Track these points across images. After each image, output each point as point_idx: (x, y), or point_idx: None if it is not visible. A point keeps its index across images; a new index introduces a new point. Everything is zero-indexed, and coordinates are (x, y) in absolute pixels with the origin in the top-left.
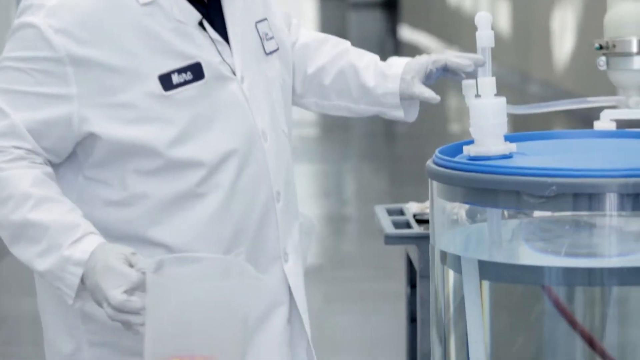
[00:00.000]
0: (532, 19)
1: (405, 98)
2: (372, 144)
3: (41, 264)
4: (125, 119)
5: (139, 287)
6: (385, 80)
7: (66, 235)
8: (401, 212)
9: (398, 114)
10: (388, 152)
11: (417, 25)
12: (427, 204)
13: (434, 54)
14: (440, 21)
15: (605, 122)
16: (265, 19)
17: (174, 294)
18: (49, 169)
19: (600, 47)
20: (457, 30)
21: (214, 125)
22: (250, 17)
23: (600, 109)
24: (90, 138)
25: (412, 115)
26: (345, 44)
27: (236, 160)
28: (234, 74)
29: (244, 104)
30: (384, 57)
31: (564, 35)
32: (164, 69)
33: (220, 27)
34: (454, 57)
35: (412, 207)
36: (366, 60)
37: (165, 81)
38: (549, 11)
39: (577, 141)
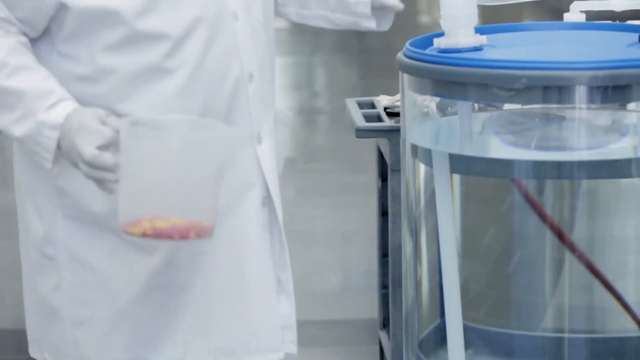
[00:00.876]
0: None
1: (376, 7)
2: (343, 37)
3: (18, 130)
4: None
5: (112, 145)
6: None
7: (42, 101)
8: (372, 105)
9: (370, 24)
10: (359, 44)
11: None
12: (398, 97)
13: None
14: None
15: (575, 14)
16: None
17: (147, 147)
18: (24, 39)
19: None
20: None
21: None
22: None
23: (570, 0)
24: (62, 10)
25: (386, 25)
26: None
27: (202, 35)
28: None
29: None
30: None
31: None
32: None
33: None
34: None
35: (383, 100)
36: None
37: None
38: None
39: (547, 33)
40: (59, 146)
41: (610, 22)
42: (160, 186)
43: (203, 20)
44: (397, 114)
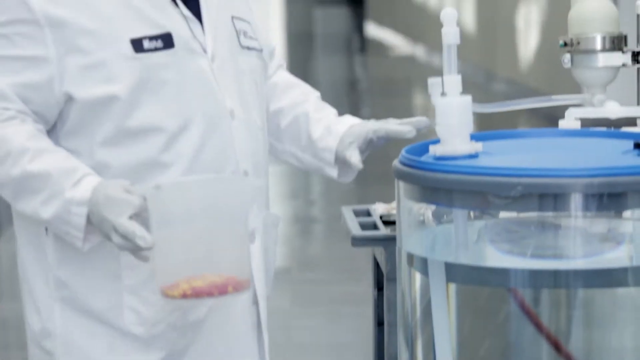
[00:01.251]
0: (497, 16)
1: (341, 159)
2: None
3: (46, 212)
4: (97, 78)
5: (141, 212)
6: (328, 135)
7: (67, 179)
8: (368, 213)
9: (332, 172)
10: None
11: (382, 22)
12: (394, 204)
13: (377, 122)
14: (406, 18)
15: (570, 121)
16: (247, 21)
17: (174, 210)
18: (40, 126)
19: (565, 45)
20: (422, 27)
21: (178, 93)
22: (226, 9)
23: (565, 107)
24: (68, 102)
25: (347, 178)
26: (313, 93)
27: (197, 130)
28: (205, 52)
29: (212, 80)
30: (349, 57)
31: (528, 32)
32: (136, 34)
33: (195, 9)
34: (395, 125)
35: (379, 208)
36: (322, 113)
37: (137, 44)
38: (513, 8)
39: (543, 140)
40: (89, 221)
41: (605, 129)
42: (192, 246)
43: (199, 116)
44: (393, 222)
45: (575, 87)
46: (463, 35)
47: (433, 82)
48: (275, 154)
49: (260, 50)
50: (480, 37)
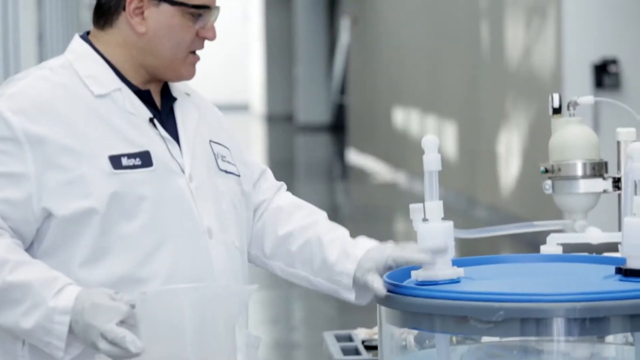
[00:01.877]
0: (478, 142)
1: (359, 283)
2: None
3: (28, 322)
4: (75, 194)
5: (129, 319)
6: (345, 259)
7: (48, 289)
8: (350, 339)
9: (349, 295)
10: None
11: (364, 149)
12: (376, 329)
13: (396, 247)
14: (387, 145)
15: (551, 246)
16: (225, 146)
17: (164, 317)
18: (18, 241)
19: (546, 171)
20: (404, 153)
21: (155, 210)
22: (204, 133)
23: (547, 233)
24: (47, 220)
25: (364, 300)
26: (320, 214)
27: (174, 246)
28: (183, 172)
29: (189, 199)
30: (331, 184)
31: (509, 159)
32: (115, 152)
33: (173, 132)
34: (415, 253)
35: (361, 333)
36: (334, 235)
37: (115, 161)
38: (494, 135)
39: (524, 265)
40: (70, 331)
41: (587, 254)
42: (181, 351)
43: (175, 233)
44: (375, 347)
45: (557, 213)
46: (444, 162)
47: (415, 208)
48: (286, 276)
49: (238, 176)
50: (461, 164)
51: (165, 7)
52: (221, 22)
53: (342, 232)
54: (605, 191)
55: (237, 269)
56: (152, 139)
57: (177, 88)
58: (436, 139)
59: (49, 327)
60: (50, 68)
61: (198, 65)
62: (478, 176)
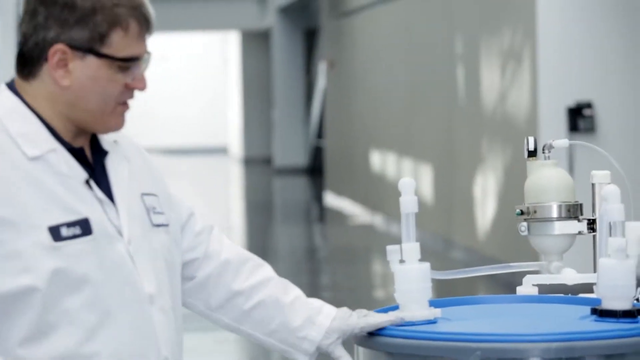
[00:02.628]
0: (454, 185)
1: (320, 350)
2: None
3: None
4: (13, 269)
5: None
6: (310, 327)
7: None
8: None
9: (304, 359)
10: None
11: (341, 191)
12: None
13: (360, 317)
14: (365, 187)
15: (527, 287)
16: (155, 194)
17: None
18: None
19: (522, 213)
20: (381, 196)
21: (98, 285)
22: (136, 187)
23: (523, 274)
24: None
25: None
26: (268, 268)
27: (118, 320)
28: (121, 235)
29: (130, 267)
30: (309, 226)
31: (486, 201)
32: (54, 221)
33: (106, 189)
34: (380, 318)
35: None
36: (292, 296)
37: (55, 233)
38: (470, 177)
39: (501, 306)
40: None
41: (562, 295)
42: None
43: (119, 306)
44: None
45: (533, 255)
46: (421, 203)
47: (392, 249)
48: (229, 330)
49: (167, 225)
50: (438, 206)
51: (91, 59)
52: (200, 66)
53: (297, 292)
54: (580, 233)
55: (174, 332)
56: (89, 202)
57: (105, 137)
58: (413, 181)
59: None
60: None
61: (176, 108)
62: (454, 218)
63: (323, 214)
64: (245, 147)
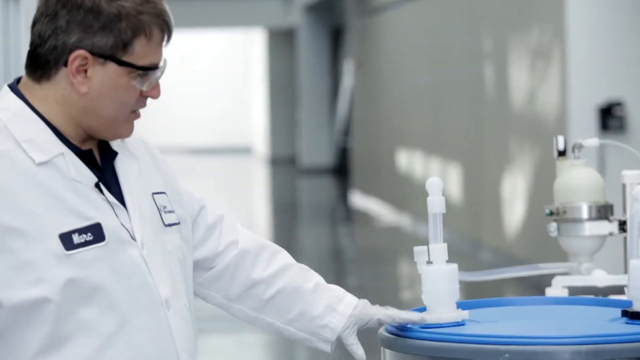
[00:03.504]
0: (482, 185)
1: (338, 339)
2: None
3: None
4: (25, 280)
5: None
6: (331, 314)
7: None
8: None
9: (325, 347)
10: None
11: (368, 191)
12: None
13: (381, 309)
14: (391, 187)
15: (557, 289)
16: (164, 192)
17: None
18: None
19: (551, 213)
20: (408, 196)
21: (112, 292)
22: (146, 187)
23: (552, 275)
24: None
25: (333, 348)
26: (284, 254)
27: (134, 327)
28: (134, 239)
29: (145, 272)
30: (335, 226)
31: (514, 201)
32: (65, 228)
33: (117, 192)
34: (404, 313)
35: None
36: (312, 283)
37: (66, 240)
38: (499, 177)
39: (530, 308)
40: None
41: (592, 297)
42: None
43: (135, 312)
44: None
45: (562, 256)
46: (449, 204)
47: (419, 250)
48: (247, 320)
49: (178, 224)
50: (465, 206)
51: (112, 66)
52: (223, 66)
53: (317, 279)
54: (611, 234)
55: (192, 335)
56: (100, 207)
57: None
58: (440, 181)
59: None
60: None
61: (199, 107)
62: (483, 218)
63: (349, 214)
64: (271, 146)
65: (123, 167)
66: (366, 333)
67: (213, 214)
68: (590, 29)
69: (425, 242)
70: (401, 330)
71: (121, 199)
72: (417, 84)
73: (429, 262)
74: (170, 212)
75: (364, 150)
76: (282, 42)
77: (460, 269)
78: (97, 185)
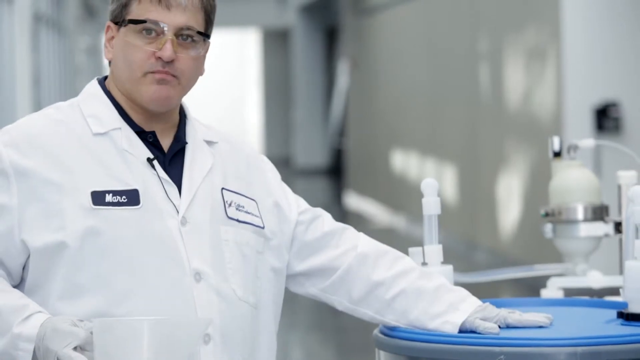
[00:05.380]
0: (478, 186)
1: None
2: (319, 315)
3: None
4: (51, 227)
5: (87, 345)
6: (453, 312)
7: (16, 315)
8: None
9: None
10: (334, 322)
11: (363, 192)
12: None
13: (509, 313)
14: (386, 188)
15: (552, 290)
16: (250, 198)
17: (120, 344)
18: (2, 272)
19: (546, 214)
20: (403, 197)
21: (132, 250)
22: (217, 181)
23: (547, 276)
24: (23, 253)
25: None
26: (407, 259)
27: (148, 289)
28: (177, 214)
29: (177, 241)
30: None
31: (509, 202)
32: (99, 187)
33: (177, 175)
34: (531, 315)
35: None
36: (435, 283)
37: (97, 197)
38: (494, 178)
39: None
40: (34, 357)
41: (588, 298)
42: None
43: (154, 275)
44: None
45: (557, 257)
46: (444, 205)
47: (414, 251)
48: (373, 321)
49: (261, 227)
50: (461, 207)
51: (122, 30)
52: (217, 67)
53: (441, 280)
54: (606, 235)
55: (235, 319)
56: (148, 179)
57: (194, 134)
58: (435, 182)
59: (14, 353)
60: (57, 107)
61: (196, 108)
62: (478, 219)
63: (344, 215)
64: (265, 147)
65: (193, 155)
66: (363, 332)
67: (331, 224)
68: (586, 29)
69: (420, 243)
70: (396, 332)
71: (179, 184)
72: (412, 84)
73: (424, 263)
74: (248, 213)
75: (359, 151)
76: (276, 42)
77: (456, 270)
78: (149, 161)
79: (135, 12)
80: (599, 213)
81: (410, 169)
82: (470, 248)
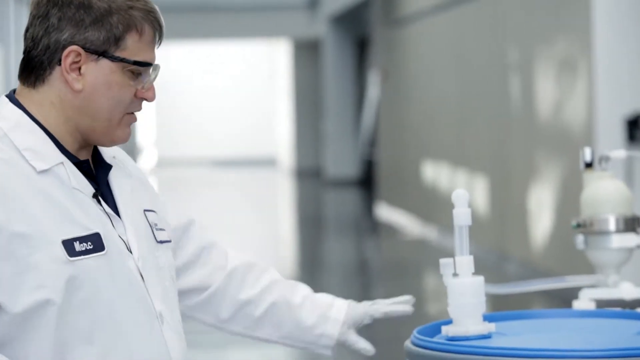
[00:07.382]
0: (509, 197)
1: (338, 343)
2: None
3: None
4: (29, 285)
5: None
6: (325, 323)
7: None
8: None
9: (326, 352)
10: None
11: (393, 203)
12: None
13: (369, 305)
14: (417, 199)
15: (584, 302)
16: (154, 210)
17: None
18: None
19: (578, 226)
20: (434, 208)
21: (111, 301)
22: (138, 203)
23: (579, 288)
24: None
25: (334, 352)
26: (271, 271)
27: (130, 339)
28: (130, 251)
29: (141, 284)
30: (360, 239)
31: (541, 213)
32: (67, 235)
33: (112, 204)
34: (393, 306)
35: None
36: (300, 296)
37: (69, 247)
38: (525, 189)
39: (556, 321)
40: None
41: (620, 309)
42: None
43: (131, 325)
44: None
45: (589, 268)
46: (475, 216)
47: (445, 262)
48: (247, 337)
49: (169, 242)
50: (492, 218)
51: (105, 62)
52: (248, 77)
53: (304, 291)
54: (638, 246)
55: (185, 351)
56: (99, 217)
57: (106, 152)
58: (466, 193)
59: None
60: None
61: (226, 120)
62: (509, 231)
63: (375, 226)
64: (296, 158)
65: (117, 181)
66: (395, 343)
67: (201, 238)
68: (616, 40)
69: (451, 254)
70: (427, 343)
71: (116, 212)
72: (443, 95)
73: (455, 275)
74: (161, 229)
75: (389, 162)
76: (307, 53)
77: (487, 281)
78: (94, 196)
79: (130, 50)
80: (630, 224)
81: (440, 180)
82: (501, 259)
